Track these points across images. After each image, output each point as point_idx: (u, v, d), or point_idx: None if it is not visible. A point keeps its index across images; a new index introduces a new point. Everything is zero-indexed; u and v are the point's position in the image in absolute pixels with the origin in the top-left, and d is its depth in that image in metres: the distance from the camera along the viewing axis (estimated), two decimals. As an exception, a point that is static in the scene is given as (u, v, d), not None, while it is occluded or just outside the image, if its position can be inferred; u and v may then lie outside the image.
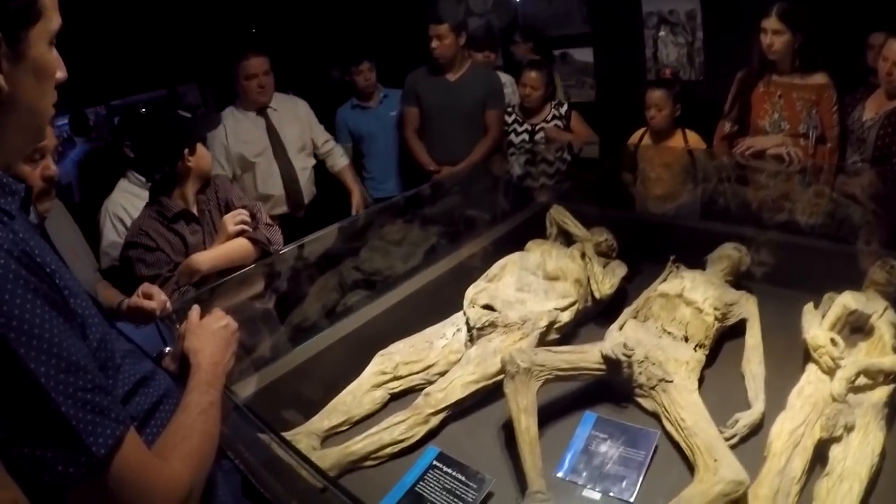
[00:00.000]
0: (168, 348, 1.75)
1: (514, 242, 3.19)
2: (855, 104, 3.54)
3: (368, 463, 2.14)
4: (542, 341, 2.59)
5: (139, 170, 3.29)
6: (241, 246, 2.70)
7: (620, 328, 2.58)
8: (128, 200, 3.33)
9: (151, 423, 1.39)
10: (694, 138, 4.04)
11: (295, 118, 4.31)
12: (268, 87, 4.04)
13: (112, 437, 1.12)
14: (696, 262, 2.90)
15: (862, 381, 2.15)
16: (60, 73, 1.24)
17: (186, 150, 2.63)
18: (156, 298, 2.19)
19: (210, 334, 1.64)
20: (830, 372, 2.20)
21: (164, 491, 1.21)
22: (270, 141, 4.11)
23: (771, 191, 3.36)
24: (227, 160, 4.01)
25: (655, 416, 2.25)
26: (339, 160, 4.56)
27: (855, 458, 1.91)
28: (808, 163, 3.44)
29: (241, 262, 2.67)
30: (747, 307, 2.66)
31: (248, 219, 2.74)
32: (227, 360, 1.63)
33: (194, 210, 2.76)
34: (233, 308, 2.48)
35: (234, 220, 2.70)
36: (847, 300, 2.43)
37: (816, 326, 2.37)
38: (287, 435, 2.12)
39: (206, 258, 2.61)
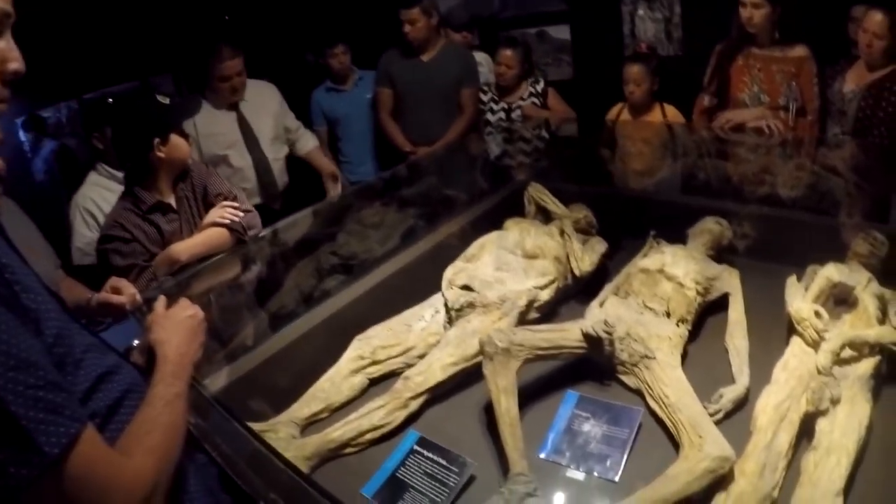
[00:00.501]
0: (136, 341, 1.71)
1: (492, 222, 3.15)
2: (835, 76, 3.50)
3: (349, 450, 2.09)
4: (522, 320, 2.54)
5: (111, 161, 3.28)
6: (220, 234, 2.68)
7: (601, 305, 2.53)
8: (98, 194, 3.26)
9: (115, 419, 1.33)
10: (672, 112, 4.00)
11: (266, 108, 4.20)
12: (240, 87, 3.95)
13: (66, 435, 1.07)
14: (676, 236, 2.86)
15: (847, 353, 2.13)
16: (15, 65, 1.18)
17: (157, 141, 2.58)
18: (125, 292, 2.13)
19: (176, 325, 1.60)
20: (815, 345, 2.17)
21: (126, 487, 1.16)
22: (243, 134, 4.01)
23: (751, 164, 3.32)
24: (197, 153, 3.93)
25: (638, 394, 2.21)
26: (309, 142, 4.46)
27: (842, 431, 1.88)
28: (788, 135, 3.41)
29: (220, 250, 2.67)
30: (729, 281, 2.63)
31: (231, 213, 2.71)
32: (194, 351, 1.59)
33: (171, 201, 2.73)
34: (207, 296, 2.50)
35: (218, 212, 2.70)
36: (830, 272, 2.40)
37: (800, 299, 2.33)
38: (266, 424, 2.09)
39: (184, 248, 2.60)
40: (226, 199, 2.79)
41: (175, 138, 2.66)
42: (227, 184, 2.91)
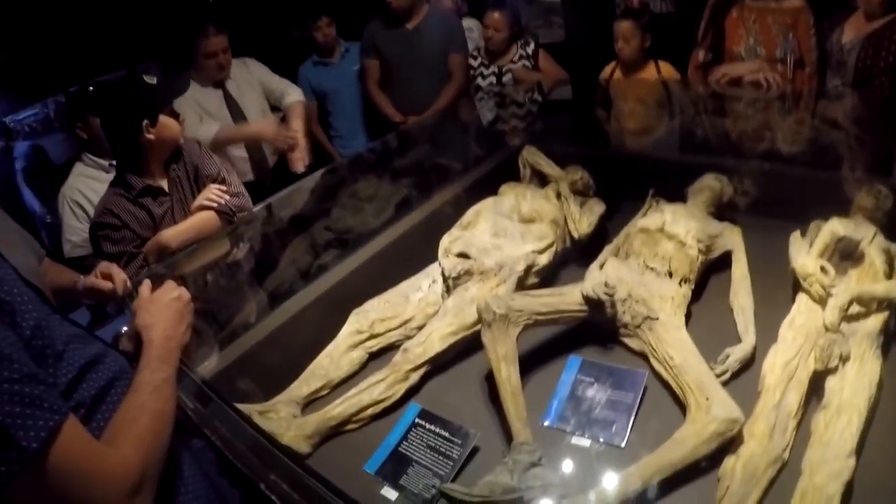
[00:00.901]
0: (125, 328, 1.65)
1: (487, 188, 3.08)
2: (833, 27, 3.41)
3: (350, 426, 2.05)
4: (521, 286, 2.49)
5: (96, 150, 3.22)
6: (208, 218, 2.67)
7: (601, 267, 2.48)
8: (85, 184, 3.20)
9: (102, 408, 1.29)
10: (667, 69, 3.91)
11: (251, 84, 4.14)
12: (226, 64, 3.90)
13: (45, 428, 1.03)
14: (676, 195, 2.79)
15: (855, 309, 2.07)
16: None
17: (146, 123, 2.53)
18: (115, 278, 2.07)
19: (162, 308, 1.55)
20: (822, 301, 2.11)
21: (112, 479, 1.12)
22: (231, 112, 3.97)
23: (750, 119, 3.25)
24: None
25: (642, 356, 2.17)
26: (293, 96, 4.32)
27: (852, 390, 1.84)
28: (786, 88, 3.33)
29: (210, 235, 2.65)
30: (732, 238, 2.57)
31: (217, 195, 2.67)
32: (181, 334, 1.55)
33: (162, 184, 2.69)
34: (199, 278, 2.46)
35: (205, 194, 2.67)
36: (835, 227, 2.33)
37: (805, 255, 2.27)
38: (266, 405, 2.05)
39: (173, 234, 2.58)
40: (215, 181, 2.76)
41: (164, 119, 2.61)
42: (219, 164, 2.87)
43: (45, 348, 1.18)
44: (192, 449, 1.56)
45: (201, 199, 2.66)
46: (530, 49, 4.52)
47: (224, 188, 2.73)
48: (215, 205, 2.65)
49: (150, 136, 2.56)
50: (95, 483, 1.10)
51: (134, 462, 1.17)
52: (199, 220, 2.65)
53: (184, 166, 2.75)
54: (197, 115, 3.78)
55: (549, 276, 2.67)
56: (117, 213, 2.57)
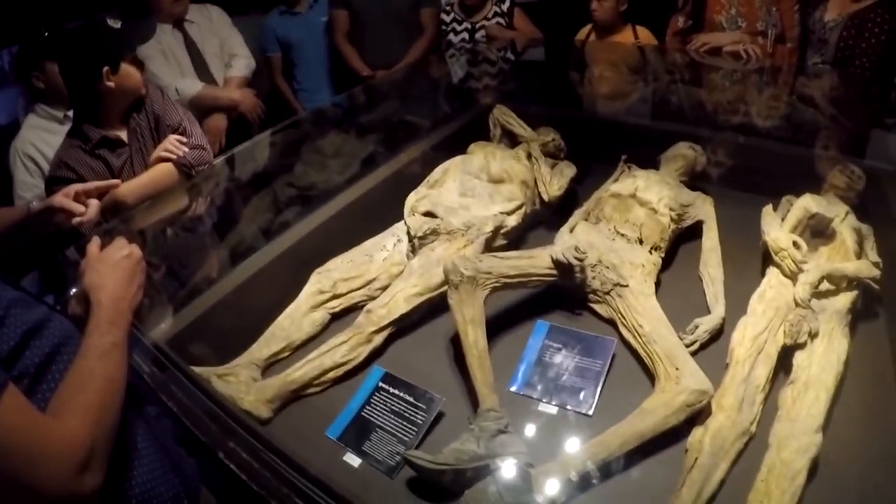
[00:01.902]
0: (73, 290, 1.51)
1: (456, 146, 3.00)
2: (817, 4, 3.37)
3: (312, 390, 1.99)
4: (489, 247, 2.44)
5: (51, 100, 3.05)
6: (166, 171, 2.52)
7: (571, 231, 2.43)
8: (38, 137, 3.03)
9: (48, 377, 1.20)
10: (644, 34, 3.83)
11: (213, 30, 3.93)
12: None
13: None
14: (648, 162, 2.76)
15: (825, 286, 2.06)
16: None
17: (107, 69, 2.38)
18: (89, 207, 1.95)
19: (111, 268, 1.44)
20: (793, 276, 2.10)
21: (57, 454, 1.04)
22: (190, 55, 3.78)
23: (727, 90, 3.22)
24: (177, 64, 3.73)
25: (611, 323, 2.14)
26: (237, 70, 4.18)
27: (820, 366, 1.84)
28: (766, 62, 3.30)
29: (168, 188, 2.52)
30: (704, 208, 2.54)
31: (175, 146, 2.53)
32: (132, 295, 1.43)
33: (121, 135, 2.55)
34: (154, 235, 2.39)
35: (163, 146, 2.52)
36: (808, 203, 2.32)
37: (777, 229, 2.25)
38: (225, 368, 1.97)
39: (129, 189, 2.42)
40: (176, 131, 2.61)
41: (127, 67, 2.46)
42: (182, 114, 2.71)
43: None
44: (145, 417, 1.48)
45: (159, 151, 2.52)
46: (505, 6, 4.40)
47: (184, 140, 2.58)
48: (174, 157, 2.51)
49: (111, 84, 2.41)
50: (40, 460, 1.02)
51: (82, 435, 1.08)
52: (157, 174, 2.50)
53: (145, 116, 2.60)
54: (162, 56, 3.62)
55: (517, 239, 2.62)
56: (73, 167, 2.42)
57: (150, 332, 1.90)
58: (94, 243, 1.52)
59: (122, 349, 1.28)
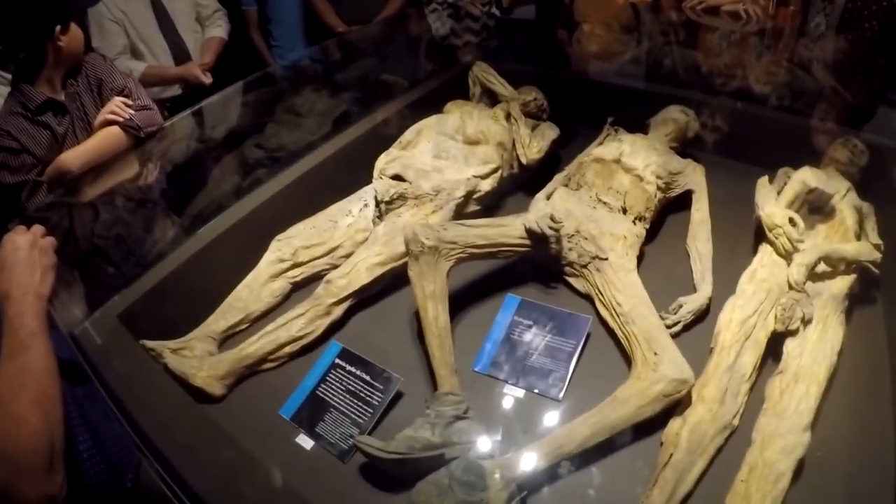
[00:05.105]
0: None
1: (434, 106, 2.83)
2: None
3: (267, 366, 1.89)
4: (460, 214, 2.28)
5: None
6: (113, 136, 2.40)
7: (548, 197, 2.27)
8: None
9: None
10: (639, -8, 3.64)
11: None
12: None
13: None
14: (637, 126, 2.59)
15: (822, 268, 1.91)
16: None
17: (58, 28, 2.28)
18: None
19: (10, 258, 1.44)
20: (787, 255, 1.94)
21: (30, 455, 1.09)
22: (156, 15, 3.55)
23: (725, 52, 3.04)
24: (124, 34, 3.47)
25: (588, 299, 1.99)
26: (213, 30, 3.95)
27: (812, 356, 1.70)
28: (767, 24, 3.10)
29: (116, 153, 2.41)
30: (694, 177, 2.37)
31: (121, 108, 2.40)
32: (37, 282, 1.42)
33: (62, 97, 2.42)
34: (103, 204, 2.32)
35: (108, 108, 2.40)
36: (806, 176, 2.15)
37: (772, 203, 2.09)
38: (180, 342, 1.89)
39: (75, 156, 2.32)
40: (121, 94, 2.50)
41: (74, 27, 2.37)
42: (125, 77, 2.58)
43: None
44: (75, 398, 1.48)
45: (104, 114, 2.39)
46: (493, -42, 4.19)
47: (129, 102, 2.46)
48: (120, 119, 2.38)
49: (61, 44, 2.30)
50: (15, 465, 1.06)
51: (39, 430, 1.12)
52: (103, 138, 2.38)
53: (85, 80, 2.48)
54: (118, 27, 3.41)
55: (492, 205, 2.48)
56: (15, 135, 2.27)
57: (101, 307, 1.87)
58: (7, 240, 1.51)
59: (42, 337, 1.30)
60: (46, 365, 1.25)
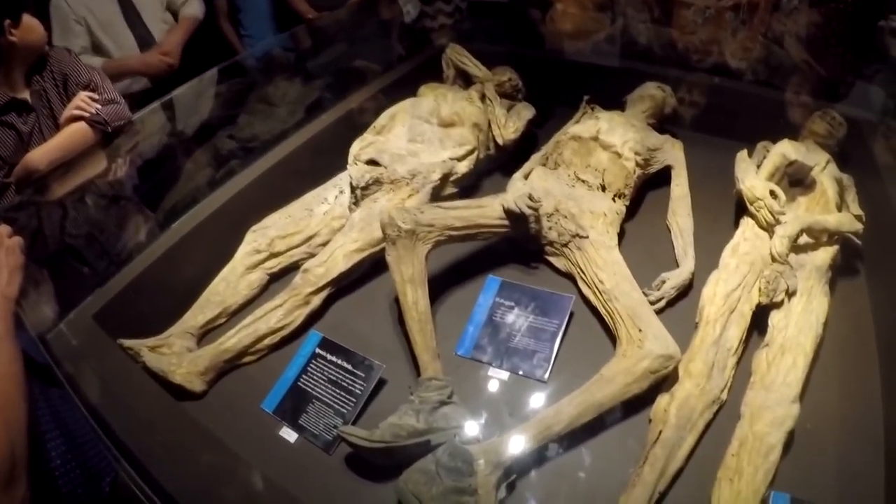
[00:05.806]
0: None
1: (408, 90, 2.80)
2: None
3: (247, 359, 1.85)
4: (437, 197, 2.25)
5: None
6: (79, 132, 2.34)
7: (526, 177, 2.23)
8: None
9: None
10: (612, -31, 3.60)
11: None
12: None
13: None
14: (614, 103, 2.56)
15: (804, 240, 1.90)
16: None
17: (7, 22, 2.18)
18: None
19: None
20: (769, 228, 1.93)
21: None
22: (121, 6, 3.44)
23: (700, 28, 3.00)
24: (86, 32, 3.36)
25: (569, 278, 1.96)
26: (185, 9, 3.85)
27: (798, 328, 1.69)
28: (742, -1, 3.08)
29: (83, 149, 2.35)
30: (672, 153, 2.35)
31: (86, 103, 2.34)
32: (5, 283, 1.40)
33: (26, 95, 2.34)
34: (72, 200, 2.28)
35: (74, 103, 2.33)
36: (786, 149, 2.14)
37: (752, 176, 2.07)
38: (158, 339, 1.84)
39: (41, 154, 2.25)
40: (87, 88, 2.43)
41: (29, 20, 2.26)
42: (91, 71, 2.51)
43: None
44: (48, 400, 1.44)
45: (70, 110, 2.33)
46: (463, -62, 4.13)
47: (95, 96, 2.39)
48: (86, 115, 2.32)
49: (13, 39, 2.20)
50: None
51: (1, 443, 1.05)
52: (70, 135, 2.32)
53: (51, 76, 2.40)
54: (80, 27, 3.29)
55: (469, 186, 2.45)
56: None
57: (76, 308, 1.83)
58: None
59: (10, 341, 1.26)
60: (10, 370, 1.20)
